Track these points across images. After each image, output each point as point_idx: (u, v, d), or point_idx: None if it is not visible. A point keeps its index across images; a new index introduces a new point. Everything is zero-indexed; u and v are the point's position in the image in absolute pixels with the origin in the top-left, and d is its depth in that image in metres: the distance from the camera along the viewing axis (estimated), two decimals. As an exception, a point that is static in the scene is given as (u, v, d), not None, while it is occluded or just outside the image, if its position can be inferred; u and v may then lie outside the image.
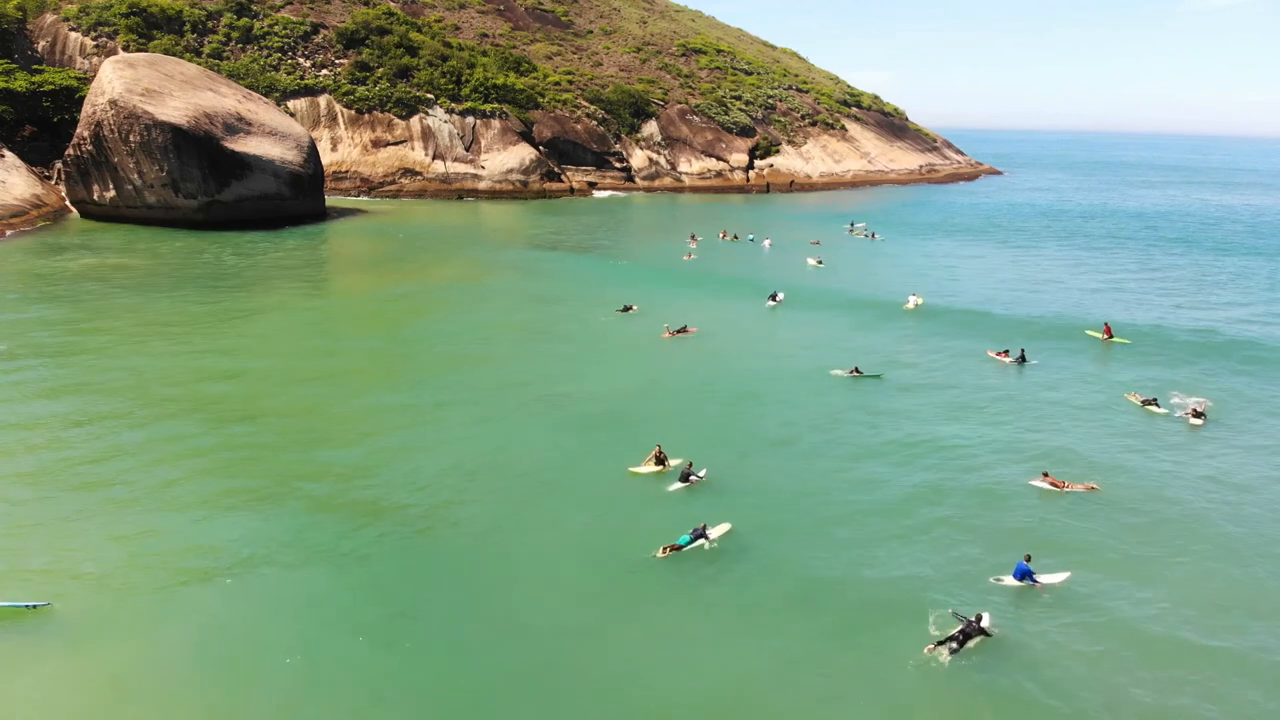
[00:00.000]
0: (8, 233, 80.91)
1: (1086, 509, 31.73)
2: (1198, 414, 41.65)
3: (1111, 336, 54.87)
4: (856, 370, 46.44)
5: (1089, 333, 56.17)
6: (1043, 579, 26.30)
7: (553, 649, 23.32)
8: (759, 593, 26.11)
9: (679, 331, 55.13)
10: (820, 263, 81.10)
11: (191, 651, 22.77)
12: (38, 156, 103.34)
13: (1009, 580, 26.39)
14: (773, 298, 63.53)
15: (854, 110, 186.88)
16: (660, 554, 27.67)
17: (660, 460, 34.14)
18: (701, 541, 28.27)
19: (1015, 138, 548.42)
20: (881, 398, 43.52)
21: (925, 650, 23.26)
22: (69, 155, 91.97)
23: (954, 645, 23.19)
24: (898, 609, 25.21)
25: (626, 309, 60.22)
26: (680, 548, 27.92)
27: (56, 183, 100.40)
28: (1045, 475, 33.59)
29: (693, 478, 32.78)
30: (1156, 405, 42.97)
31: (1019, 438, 38.77)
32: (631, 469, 33.75)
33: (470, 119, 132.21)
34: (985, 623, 23.75)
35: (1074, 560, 27.95)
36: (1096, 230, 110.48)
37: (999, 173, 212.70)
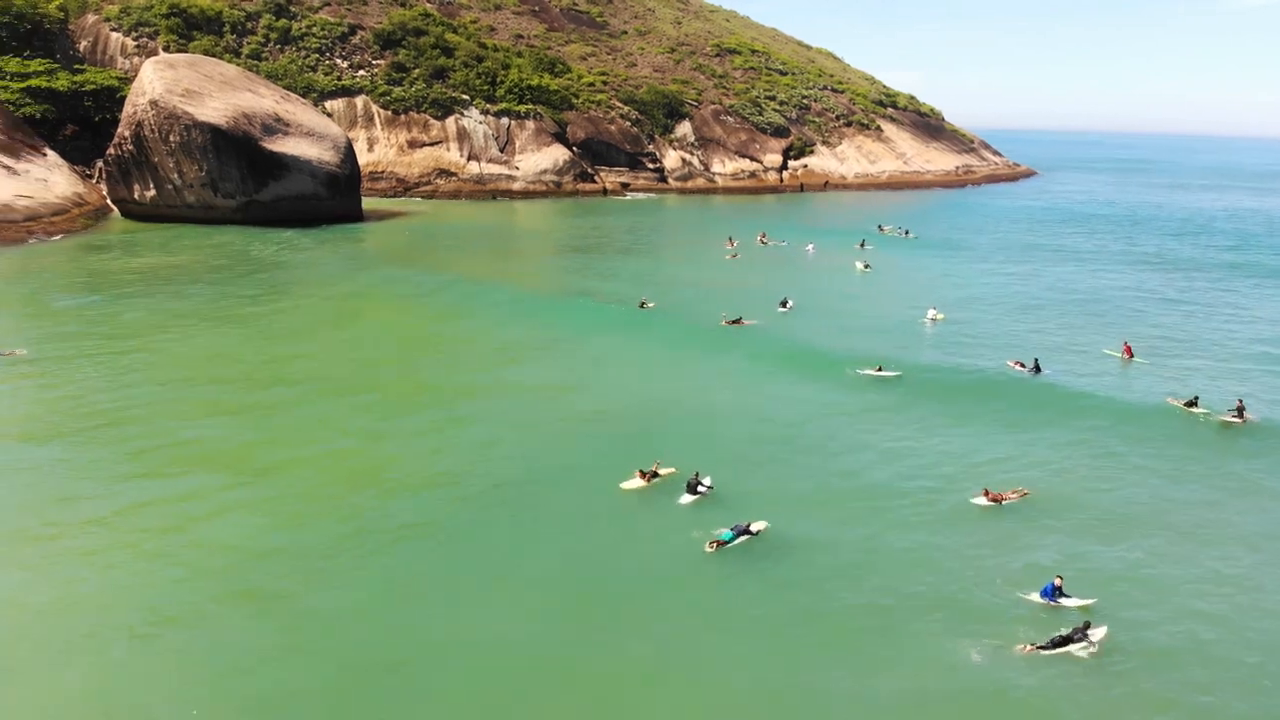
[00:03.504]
0: (58, 236, 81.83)
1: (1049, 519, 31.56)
2: (1238, 413, 41.30)
3: (1132, 356, 52.79)
4: (880, 369, 47.63)
5: (1106, 351, 54.49)
6: (1064, 601, 25.99)
7: (600, 645, 23.55)
8: (782, 596, 26.34)
9: (734, 322, 57.80)
10: (868, 267, 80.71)
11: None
12: (79, 155, 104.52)
13: (1035, 597, 26.28)
14: (783, 304, 63.20)
15: (889, 110, 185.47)
16: (708, 548, 28.21)
17: (647, 475, 33.15)
18: (746, 537, 28.88)
19: (1025, 138, 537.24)
20: (900, 402, 43.44)
21: (1018, 648, 23.69)
22: (110, 155, 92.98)
23: (1048, 646, 23.60)
24: (927, 610, 25.55)
25: (643, 305, 61.71)
26: (725, 543, 28.48)
27: (98, 182, 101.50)
28: (986, 491, 32.80)
29: (700, 488, 32.25)
30: (1196, 406, 42.50)
31: (1022, 443, 38.67)
32: (623, 485, 32.78)
33: (505, 120, 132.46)
34: (1098, 634, 24.07)
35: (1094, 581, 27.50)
36: (1165, 251, 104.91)
37: (1034, 174, 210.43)
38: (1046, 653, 23.53)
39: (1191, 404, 42.68)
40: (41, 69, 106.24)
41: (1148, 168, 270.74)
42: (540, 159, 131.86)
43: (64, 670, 21.97)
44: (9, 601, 24.43)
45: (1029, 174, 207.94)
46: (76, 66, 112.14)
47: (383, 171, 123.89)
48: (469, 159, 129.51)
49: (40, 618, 23.85)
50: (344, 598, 25.28)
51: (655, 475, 33.09)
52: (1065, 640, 23.77)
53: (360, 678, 21.98)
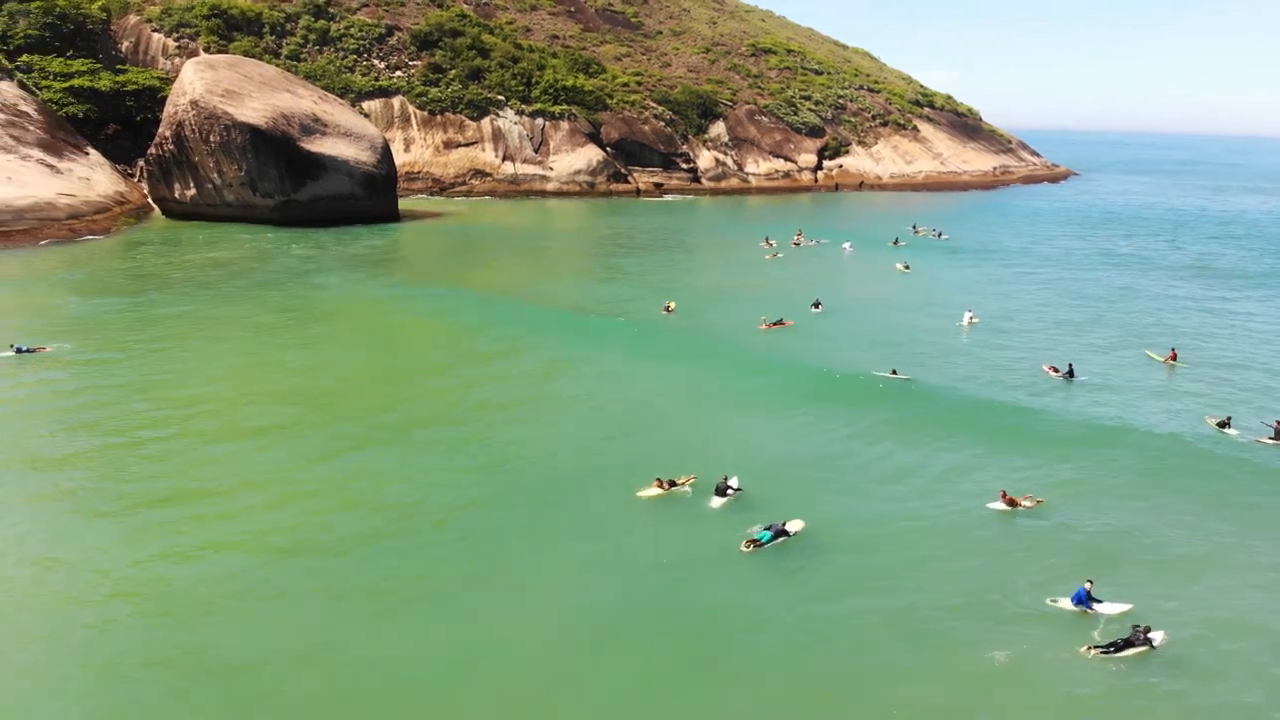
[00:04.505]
0: (99, 234, 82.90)
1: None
2: (1276, 435, 39.96)
3: (1176, 360, 51.95)
4: (894, 371, 47.12)
5: (1150, 354, 53.66)
6: (1098, 608, 25.62)
7: (637, 647, 23.69)
8: (817, 599, 26.48)
9: (775, 324, 57.51)
10: (907, 267, 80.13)
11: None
12: (121, 154, 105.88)
13: (1065, 603, 25.89)
14: (815, 305, 62.86)
15: (926, 110, 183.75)
16: (744, 548, 28.40)
17: (665, 484, 32.56)
18: (783, 537, 28.94)
19: (1047, 138, 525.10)
20: (929, 410, 42.70)
21: (1082, 650, 23.84)
22: (151, 154, 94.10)
23: (1110, 649, 23.77)
24: (961, 616, 25.51)
25: (667, 309, 61.03)
26: (762, 543, 28.57)
27: (139, 180, 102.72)
28: (1003, 493, 32.32)
29: (729, 491, 32.09)
30: (1230, 426, 41.04)
31: (1047, 453, 37.91)
32: (640, 493, 32.32)
33: (540, 120, 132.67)
34: (1157, 638, 23.99)
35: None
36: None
37: (1074, 174, 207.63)
38: (1110, 655, 23.58)
39: (1224, 424, 41.17)
40: (84, 69, 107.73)
41: (1193, 169, 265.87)
42: (574, 159, 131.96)
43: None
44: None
45: (1068, 175, 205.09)
46: (118, 67, 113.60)
47: (419, 172, 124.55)
48: (504, 159, 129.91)
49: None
50: (366, 605, 25.23)
51: (674, 484, 32.63)
52: (1127, 643, 23.77)
53: (381, 682, 21.95)
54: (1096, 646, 23.85)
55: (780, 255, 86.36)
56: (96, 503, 30.61)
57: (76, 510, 29.94)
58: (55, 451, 34.62)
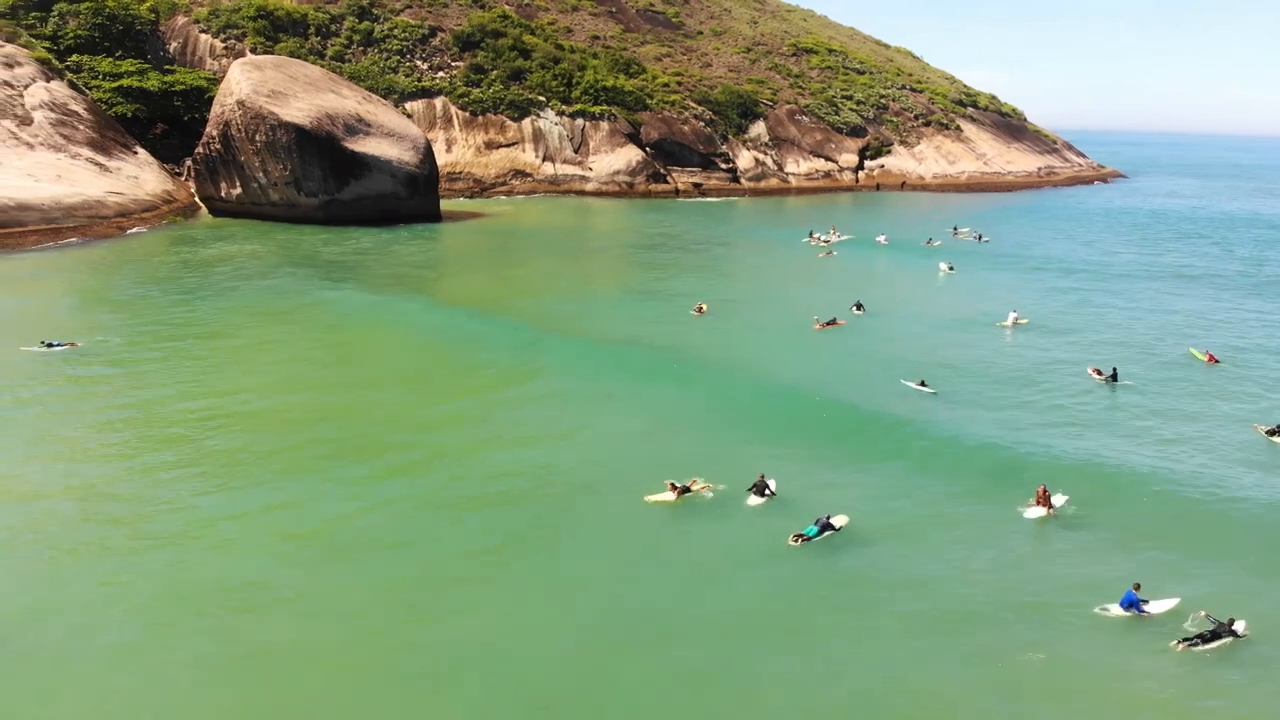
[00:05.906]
0: (144, 229, 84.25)
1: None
2: None
3: (1216, 361, 51.20)
4: (923, 383, 45.59)
5: (1192, 351, 53.01)
6: (1150, 608, 25.13)
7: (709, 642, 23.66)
8: (861, 599, 26.36)
9: (829, 324, 57.51)
10: (951, 269, 79.39)
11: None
12: (168, 154, 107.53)
13: (1114, 609, 25.27)
14: (857, 307, 62.14)
15: (970, 110, 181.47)
16: (792, 542, 28.62)
17: (679, 489, 31.71)
18: (829, 531, 29.12)
19: (1096, 139, 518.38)
20: (961, 416, 41.72)
21: (1171, 645, 23.84)
22: (198, 153, 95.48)
23: (1198, 641, 23.77)
24: (1009, 621, 25.18)
25: (700, 310, 60.33)
26: (809, 538, 28.71)
27: (186, 179, 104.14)
28: (1042, 489, 31.39)
29: (768, 491, 31.85)
30: None
31: (1083, 454, 37.17)
32: (649, 498, 31.59)
33: (580, 121, 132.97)
34: (1239, 627, 23.95)
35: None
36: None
37: (1121, 175, 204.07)
38: (1199, 649, 23.54)
39: (1274, 432, 39.87)
40: (133, 69, 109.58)
41: (1243, 172, 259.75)
42: (613, 160, 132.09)
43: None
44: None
45: (1115, 176, 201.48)
46: (167, 67, 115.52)
47: (460, 172, 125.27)
48: (544, 160, 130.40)
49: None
50: (389, 610, 25.05)
51: (687, 490, 31.82)
52: (1214, 635, 23.78)
53: (411, 686, 21.96)
54: (1185, 640, 23.69)
55: (835, 253, 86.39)
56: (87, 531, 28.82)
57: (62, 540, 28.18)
58: (49, 474, 32.50)
